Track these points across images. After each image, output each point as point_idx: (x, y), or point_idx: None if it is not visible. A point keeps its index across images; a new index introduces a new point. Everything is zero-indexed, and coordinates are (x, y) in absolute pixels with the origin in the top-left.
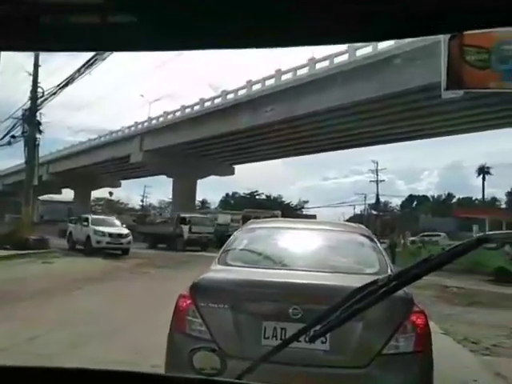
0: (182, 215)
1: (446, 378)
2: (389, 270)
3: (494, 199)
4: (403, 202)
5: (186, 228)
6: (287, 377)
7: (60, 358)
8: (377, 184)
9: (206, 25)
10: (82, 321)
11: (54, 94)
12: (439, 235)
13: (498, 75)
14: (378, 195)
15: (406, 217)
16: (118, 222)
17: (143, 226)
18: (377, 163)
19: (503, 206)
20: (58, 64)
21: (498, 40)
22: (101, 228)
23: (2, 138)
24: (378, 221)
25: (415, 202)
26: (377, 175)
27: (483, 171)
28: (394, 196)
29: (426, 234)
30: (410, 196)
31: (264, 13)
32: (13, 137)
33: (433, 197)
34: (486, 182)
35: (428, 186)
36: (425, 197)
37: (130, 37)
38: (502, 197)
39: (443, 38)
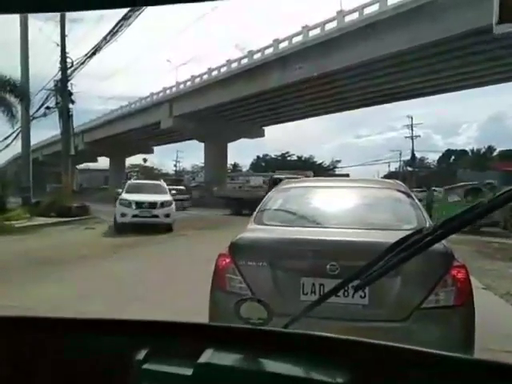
0: (276, 176)
1: (489, 331)
2: (427, 225)
3: None
4: (440, 158)
5: None
6: (327, 331)
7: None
8: (412, 140)
9: None
10: (126, 282)
11: (83, 63)
12: (435, 190)
13: None
14: (413, 151)
15: (444, 172)
16: (165, 187)
17: (225, 190)
18: (411, 118)
19: None
20: (83, 33)
21: None
22: (129, 196)
23: (38, 110)
24: (414, 177)
25: (453, 157)
26: (412, 130)
27: None
28: (430, 151)
29: (422, 189)
30: (448, 151)
31: None
32: (47, 108)
33: (472, 150)
34: None
35: (467, 139)
36: (463, 151)
37: None
38: None
39: None
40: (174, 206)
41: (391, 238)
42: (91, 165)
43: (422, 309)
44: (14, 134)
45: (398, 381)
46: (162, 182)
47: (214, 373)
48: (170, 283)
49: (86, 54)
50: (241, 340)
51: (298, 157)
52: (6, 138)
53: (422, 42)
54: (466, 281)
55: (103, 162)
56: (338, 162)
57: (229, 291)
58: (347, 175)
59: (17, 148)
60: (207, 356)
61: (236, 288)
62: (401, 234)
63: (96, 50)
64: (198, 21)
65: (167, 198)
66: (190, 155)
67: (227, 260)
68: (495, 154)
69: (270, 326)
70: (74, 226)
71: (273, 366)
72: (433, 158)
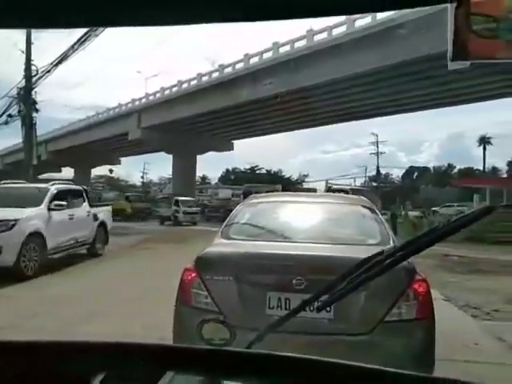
0: (335, 186)
1: (448, 342)
2: (391, 241)
3: (495, 169)
4: (404, 174)
5: None
6: (293, 345)
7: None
8: (377, 156)
9: None
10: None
11: (49, 71)
12: None
13: (506, 45)
14: (378, 167)
15: (407, 188)
16: (43, 195)
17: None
18: (377, 136)
19: (504, 175)
20: (51, 41)
21: (506, 8)
22: None
23: None
24: (379, 193)
25: (416, 174)
26: (377, 147)
27: (484, 141)
28: (394, 167)
29: None
30: (411, 167)
31: None
32: (9, 116)
33: (434, 167)
34: (487, 152)
35: (429, 157)
36: (425, 168)
37: (125, 11)
38: (503, 166)
39: (449, 6)
40: (20, 227)
41: (356, 252)
42: (55, 175)
43: (386, 322)
44: None
45: None
46: (48, 186)
47: None
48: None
49: (52, 62)
50: (202, 361)
51: (266, 170)
52: None
53: (387, 64)
54: (427, 294)
55: (68, 173)
56: (306, 176)
57: (194, 306)
58: (315, 190)
59: None
60: (168, 379)
61: (201, 303)
62: (365, 249)
63: (63, 58)
64: (169, 33)
65: (15, 215)
66: (157, 167)
67: (193, 274)
68: (455, 171)
69: (233, 346)
70: None
71: None
72: (397, 174)
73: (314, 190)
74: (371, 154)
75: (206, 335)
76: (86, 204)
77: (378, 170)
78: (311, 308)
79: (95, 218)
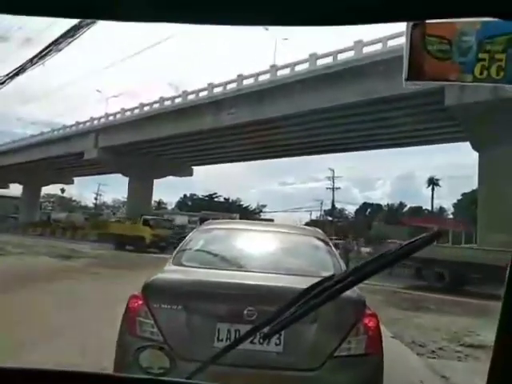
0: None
1: (395, 379)
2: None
3: (442, 209)
4: (357, 210)
5: None
6: (239, 379)
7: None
8: (333, 191)
9: None
10: None
11: (3, 83)
12: None
13: (458, 67)
14: (333, 202)
15: (360, 224)
16: None
17: None
18: (333, 171)
19: (450, 216)
20: (8, 51)
21: (459, 31)
22: None
23: None
24: (333, 227)
25: (369, 210)
26: (333, 182)
27: (432, 182)
28: (349, 203)
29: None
30: (364, 204)
31: None
32: None
33: (387, 205)
34: (435, 193)
35: (381, 194)
36: (378, 205)
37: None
38: (449, 207)
39: (406, 26)
40: None
41: (308, 283)
42: (1, 191)
43: (335, 357)
44: None
45: None
46: None
47: None
48: None
49: (8, 74)
50: None
51: (225, 198)
52: None
53: (344, 102)
54: (376, 329)
55: (15, 189)
56: (264, 206)
57: (139, 336)
58: (272, 220)
59: None
60: None
61: (147, 332)
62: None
63: (19, 71)
64: (133, 56)
65: None
66: (112, 189)
67: (139, 302)
68: (406, 209)
69: (173, 376)
70: None
71: None
72: (351, 209)
73: (272, 221)
74: (327, 188)
75: (144, 363)
76: None
77: (333, 205)
78: (260, 340)
79: None
